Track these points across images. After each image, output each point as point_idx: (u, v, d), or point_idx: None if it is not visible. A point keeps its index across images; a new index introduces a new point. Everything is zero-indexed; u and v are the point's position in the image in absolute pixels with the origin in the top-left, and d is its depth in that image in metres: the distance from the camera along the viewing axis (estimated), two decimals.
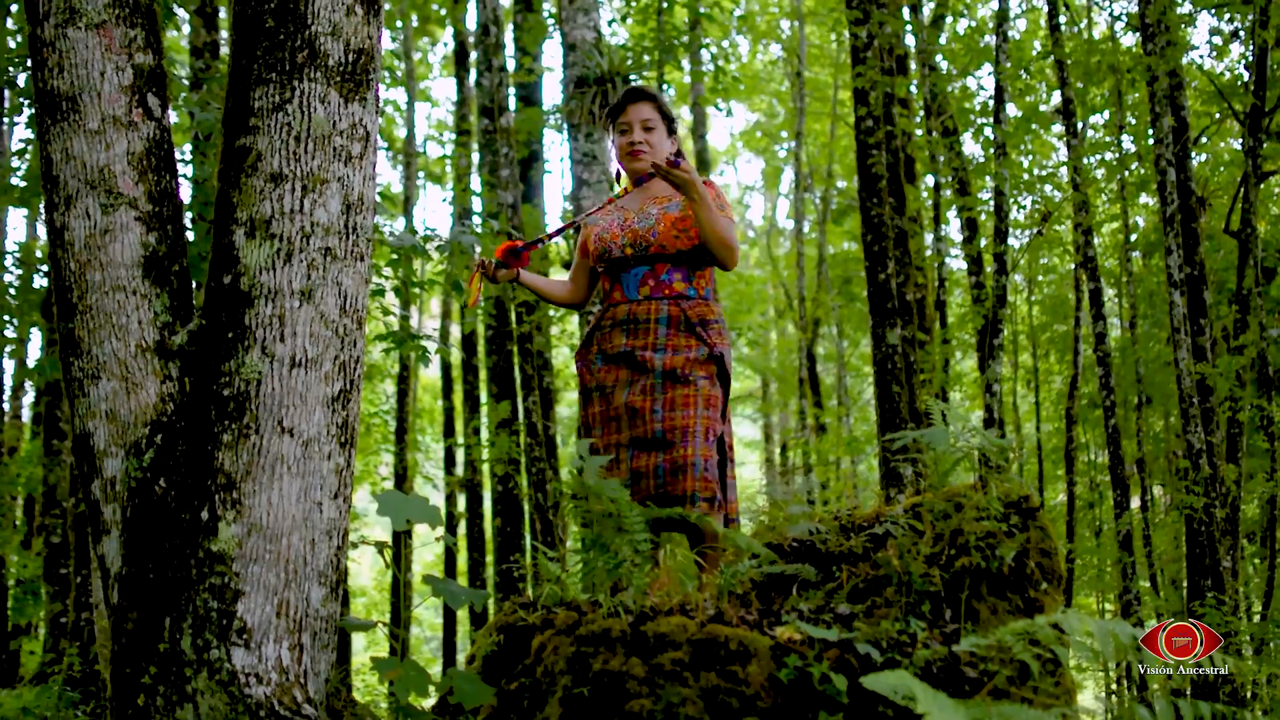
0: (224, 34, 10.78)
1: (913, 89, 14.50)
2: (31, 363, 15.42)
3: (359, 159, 3.09)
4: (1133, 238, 14.69)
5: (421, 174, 19.67)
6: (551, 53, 30.31)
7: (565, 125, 10.46)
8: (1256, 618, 10.68)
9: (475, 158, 15.55)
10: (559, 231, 4.46)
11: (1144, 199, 14.89)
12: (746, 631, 2.43)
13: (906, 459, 8.82)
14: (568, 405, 20.72)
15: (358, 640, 19.05)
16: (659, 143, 4.17)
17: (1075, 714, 2.38)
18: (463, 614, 17.70)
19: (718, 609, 2.60)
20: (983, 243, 14.21)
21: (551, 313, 14.10)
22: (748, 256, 27.84)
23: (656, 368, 3.87)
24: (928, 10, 14.95)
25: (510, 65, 14.54)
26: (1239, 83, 11.75)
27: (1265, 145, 10.39)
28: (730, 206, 4.12)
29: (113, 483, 3.00)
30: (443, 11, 16.86)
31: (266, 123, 2.99)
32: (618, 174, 4.32)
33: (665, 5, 13.29)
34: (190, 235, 5.16)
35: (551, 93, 22.86)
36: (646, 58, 12.44)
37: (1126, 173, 13.70)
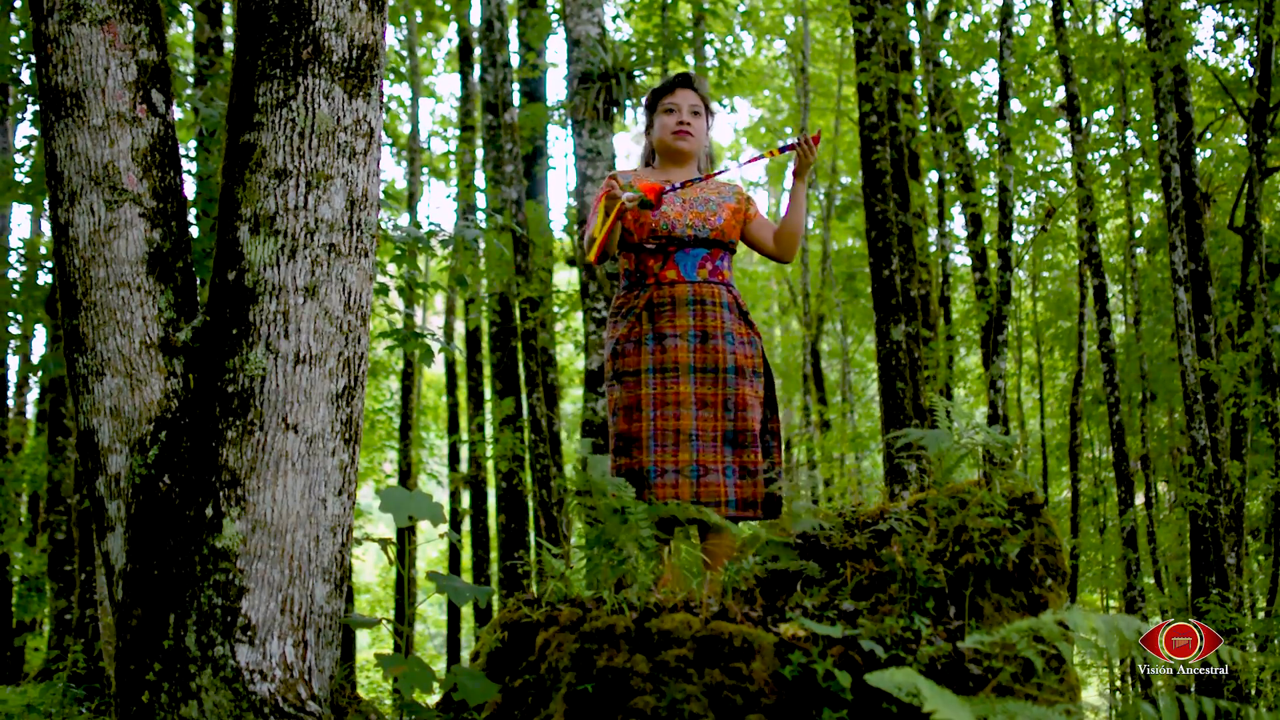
0: (228, 30, 10.78)
1: (917, 85, 14.47)
2: (36, 359, 15.44)
3: (363, 155, 3.09)
4: (1137, 234, 14.67)
5: (426, 170, 19.66)
6: (556, 48, 30.23)
7: (569, 121, 10.45)
8: (1261, 614, 10.67)
9: (479, 153, 15.56)
10: (685, 185, 4.17)
11: (1148, 195, 14.86)
12: (750, 628, 2.43)
13: (911, 455, 8.81)
14: (572, 402, 20.72)
15: (362, 637, 19.07)
16: (702, 129, 4.20)
17: (1079, 711, 2.38)
18: (467, 611, 17.71)
19: (722, 606, 2.60)
20: (987, 239, 14.19)
21: (555, 309, 14.10)
22: (751, 253, 27.80)
23: (729, 364, 3.88)
24: (932, 6, 14.93)
25: (514, 61, 14.53)
26: (1243, 78, 11.73)
27: (1270, 141, 10.37)
28: None
29: (117, 479, 3.00)
30: (447, 7, 16.87)
31: (270, 119, 2.99)
32: (650, 152, 4.29)
33: (669, 1, 13.27)
34: (194, 231, 5.16)
35: (556, 88, 22.82)
36: (650, 53, 12.42)
37: (1130, 169, 13.67)
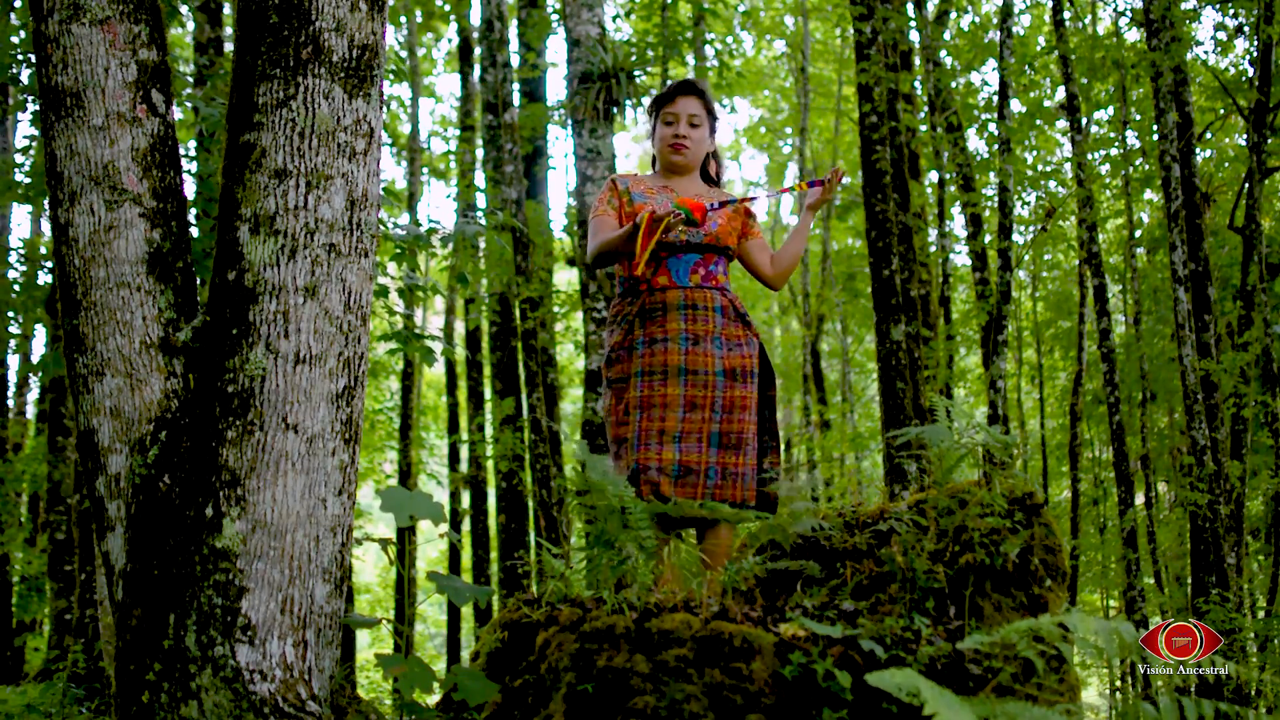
0: (228, 30, 10.78)
1: (917, 85, 14.48)
2: (36, 359, 15.45)
3: (363, 155, 3.09)
4: (1137, 234, 14.67)
5: (425, 170, 19.66)
6: (556, 48, 30.23)
7: (569, 121, 10.45)
8: (1261, 614, 10.67)
9: (479, 153, 15.56)
10: (746, 200, 4.23)
11: (1148, 195, 14.86)
12: (750, 628, 2.43)
13: (910, 455, 8.81)
14: (571, 402, 20.72)
15: (362, 637, 19.06)
16: (701, 139, 4.17)
17: (1079, 711, 2.38)
18: (467, 611, 17.70)
19: (722, 606, 2.60)
20: (987, 239, 14.19)
21: (556, 309, 14.10)
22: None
23: (717, 367, 3.86)
24: (932, 6, 14.93)
25: (514, 61, 14.53)
26: (1243, 78, 11.73)
27: (1270, 141, 10.37)
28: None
29: (117, 479, 3.00)
30: (447, 7, 16.87)
31: (270, 119, 2.99)
32: (653, 160, 4.31)
33: (669, 1, 13.28)
34: (194, 231, 5.16)
35: (556, 88, 22.89)
36: (650, 53, 12.43)
37: (1130, 169, 13.68)
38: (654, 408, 3.86)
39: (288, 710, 2.75)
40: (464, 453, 18.38)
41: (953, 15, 15.81)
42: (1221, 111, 12.59)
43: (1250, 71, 11.36)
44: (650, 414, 3.86)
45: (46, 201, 3.25)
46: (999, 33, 11.30)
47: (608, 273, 9.62)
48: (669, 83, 4.54)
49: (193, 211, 5.34)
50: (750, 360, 3.93)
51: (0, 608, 13.52)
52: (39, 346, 15.71)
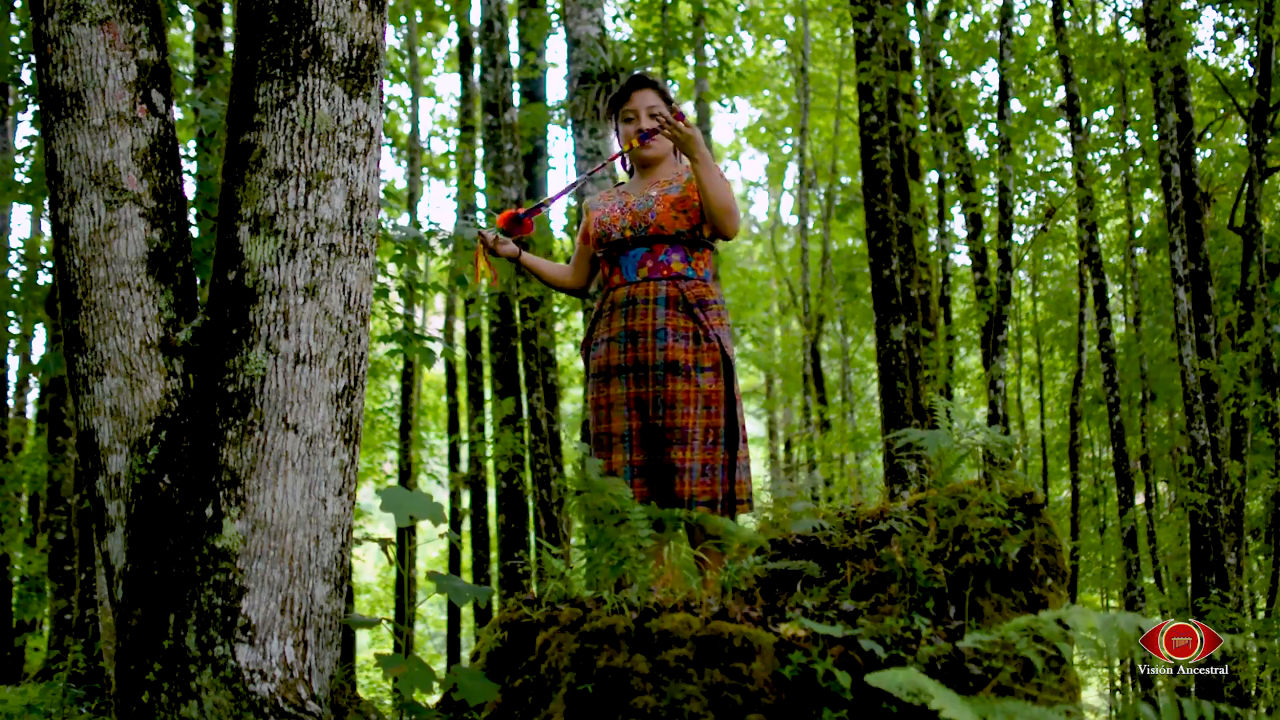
0: (228, 30, 10.78)
1: (917, 85, 14.47)
2: (36, 359, 15.45)
3: (363, 155, 3.09)
4: (1137, 234, 14.67)
5: (426, 170, 19.67)
6: (556, 48, 30.26)
7: (569, 121, 10.46)
8: (1261, 614, 10.67)
9: (479, 153, 15.56)
10: (561, 194, 4.37)
11: (1148, 195, 14.86)
12: (750, 628, 2.43)
13: (911, 455, 8.81)
14: (572, 401, 20.71)
15: (362, 637, 19.06)
16: None
17: (1079, 711, 2.38)
18: (467, 611, 17.70)
19: (722, 606, 2.60)
20: (987, 239, 14.19)
21: (556, 309, 14.09)
22: (751, 253, 27.84)
23: (658, 360, 3.87)
24: (932, 6, 14.92)
25: (514, 61, 14.53)
26: (1243, 78, 11.73)
27: (1270, 141, 10.37)
28: (729, 183, 4.11)
29: (117, 479, 3.00)
30: (447, 7, 16.87)
31: (270, 119, 2.99)
32: (623, 161, 4.33)
33: (669, 1, 13.28)
34: (194, 231, 5.17)
35: (556, 88, 22.91)
36: (650, 53, 12.43)
37: (1131, 169, 13.68)
38: (601, 409, 3.95)
39: (288, 710, 2.75)
40: (464, 453, 18.39)
41: (953, 15, 15.81)
42: (1221, 111, 12.59)
43: (1250, 71, 11.37)
44: (599, 415, 3.96)
45: (46, 201, 3.25)
46: (999, 33, 11.30)
47: None
48: (620, 81, 4.56)
49: (193, 211, 5.34)
50: (694, 354, 3.89)
51: (0, 608, 13.52)
52: (39, 346, 15.72)
